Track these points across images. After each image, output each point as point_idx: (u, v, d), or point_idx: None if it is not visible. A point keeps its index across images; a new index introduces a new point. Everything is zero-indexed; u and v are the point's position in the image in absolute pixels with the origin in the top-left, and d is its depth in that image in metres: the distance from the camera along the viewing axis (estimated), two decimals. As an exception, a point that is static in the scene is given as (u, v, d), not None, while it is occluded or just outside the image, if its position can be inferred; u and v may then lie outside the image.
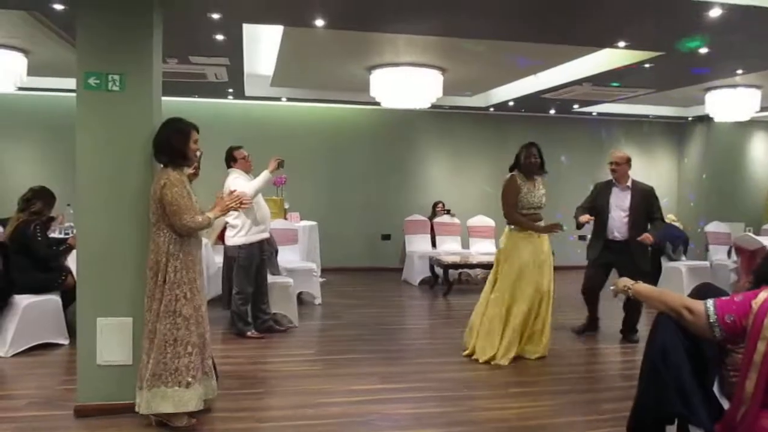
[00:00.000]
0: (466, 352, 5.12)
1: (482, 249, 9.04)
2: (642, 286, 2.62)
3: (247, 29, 5.70)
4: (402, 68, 7.00)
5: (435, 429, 3.68)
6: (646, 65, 6.14)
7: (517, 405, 4.09)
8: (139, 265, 3.60)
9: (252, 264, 5.54)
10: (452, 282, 8.30)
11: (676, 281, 7.48)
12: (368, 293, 8.27)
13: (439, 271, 8.47)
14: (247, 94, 8.72)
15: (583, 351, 5.45)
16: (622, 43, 5.36)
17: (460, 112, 10.18)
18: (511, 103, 9.16)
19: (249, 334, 5.57)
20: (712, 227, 8.68)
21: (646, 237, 5.37)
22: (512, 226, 5.07)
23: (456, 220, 9.53)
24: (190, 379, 3.45)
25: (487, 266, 8.52)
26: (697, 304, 2.35)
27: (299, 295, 6.91)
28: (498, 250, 5.26)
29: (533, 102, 8.91)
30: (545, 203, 5.15)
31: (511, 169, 5.15)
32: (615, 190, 5.65)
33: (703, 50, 5.45)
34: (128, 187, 3.67)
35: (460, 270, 8.70)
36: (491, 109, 9.86)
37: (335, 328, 6.22)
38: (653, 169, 10.79)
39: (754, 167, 10.69)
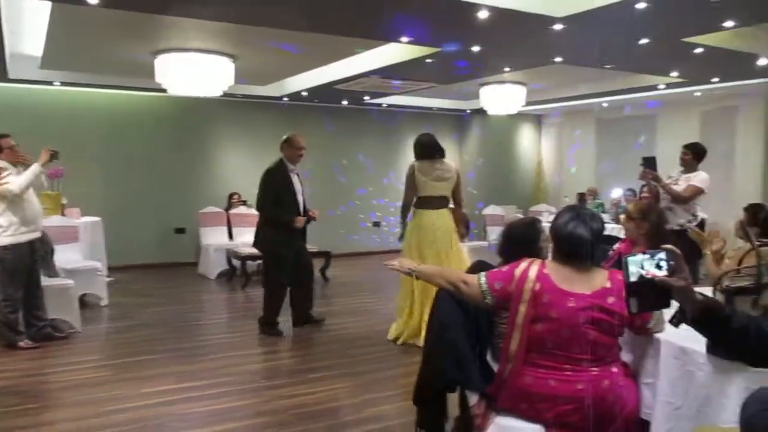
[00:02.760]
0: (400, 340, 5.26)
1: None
2: (425, 267, 2.81)
3: (5, 1, 5.07)
4: (190, 54, 6.71)
5: (235, 423, 3.63)
6: (428, 60, 6.56)
7: (315, 390, 4.17)
8: None
9: (19, 267, 4.96)
10: (251, 274, 8.19)
11: (460, 261, 8.12)
12: (162, 290, 7.85)
13: (236, 263, 8.32)
14: (10, 76, 7.75)
15: (383, 332, 5.69)
16: (405, 38, 5.67)
17: (254, 102, 10.03)
18: (304, 93, 9.24)
19: (21, 344, 5.01)
20: (489, 210, 9.59)
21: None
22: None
23: (253, 211, 9.39)
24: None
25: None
26: (472, 277, 2.59)
27: (82, 297, 6.37)
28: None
29: (326, 93, 9.07)
30: None
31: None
32: None
33: (476, 49, 5.95)
34: None
35: (258, 261, 8.58)
36: (285, 99, 9.86)
37: (125, 330, 5.82)
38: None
39: (523, 155, 11.97)
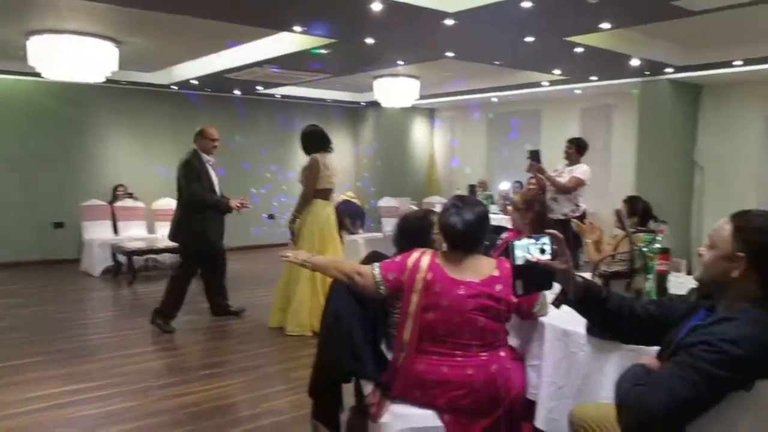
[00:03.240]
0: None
1: (170, 233, 8.64)
2: (318, 258, 2.79)
3: None
4: (67, 36, 6.27)
5: (126, 425, 3.47)
6: (322, 51, 6.51)
7: (208, 387, 4.06)
8: None
9: None
10: (138, 269, 7.83)
11: (356, 252, 8.17)
12: (40, 289, 7.32)
13: (122, 258, 7.91)
14: None
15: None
16: (298, 28, 5.59)
17: (140, 89, 9.55)
18: (194, 82, 8.91)
19: None
20: (384, 202, 9.69)
21: None
22: None
23: (140, 204, 8.99)
24: None
25: (176, 251, 8.25)
26: (366, 268, 2.60)
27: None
28: None
29: (217, 81, 8.79)
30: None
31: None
32: None
33: (370, 41, 5.97)
34: None
35: (146, 256, 8.23)
36: (173, 87, 9.47)
37: (0, 332, 5.39)
38: (335, 149, 11.57)
39: (416, 148, 12.17)
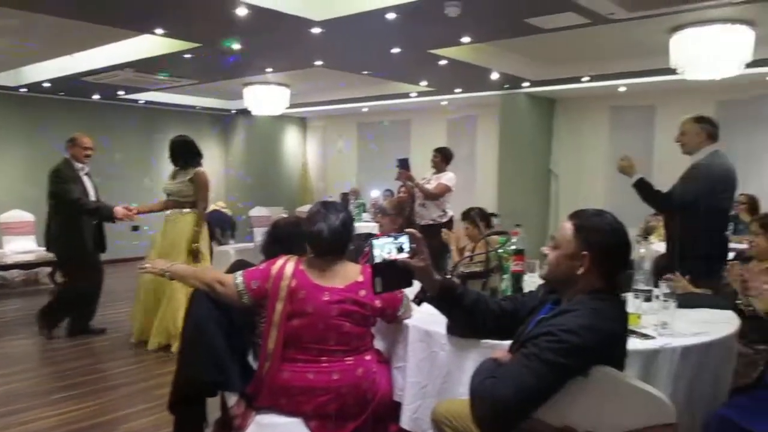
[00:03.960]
0: None
1: (20, 247, 7.94)
2: (179, 267, 2.68)
3: None
4: None
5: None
6: (186, 55, 6.29)
7: (61, 412, 3.76)
8: None
9: None
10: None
11: (226, 262, 7.92)
12: None
13: (-37, 277, 7.18)
14: None
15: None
16: (160, 30, 5.37)
17: (-18, 91, 8.74)
18: (47, 85, 8.29)
19: None
20: (255, 212, 9.50)
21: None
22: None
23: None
24: None
25: (26, 266, 7.61)
26: (228, 277, 2.53)
27: None
28: None
29: (74, 85, 8.24)
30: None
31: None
32: None
33: (237, 46, 5.85)
34: None
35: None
36: (23, 90, 8.75)
37: None
38: (204, 158, 11.22)
39: (289, 156, 12.08)
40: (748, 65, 5.28)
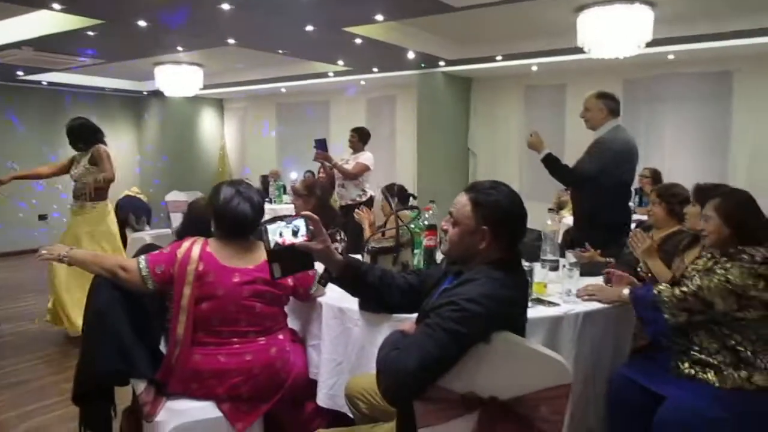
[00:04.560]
0: None
1: None
2: (78, 252, 2.56)
3: None
4: None
5: None
6: (90, 32, 5.97)
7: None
8: None
9: None
10: None
11: (141, 250, 7.68)
12: None
13: None
14: None
15: (47, 336, 5.04)
16: (57, 5, 5.06)
17: None
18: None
19: None
20: (172, 196, 9.21)
21: None
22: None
23: None
24: None
25: None
26: (132, 262, 2.44)
27: None
28: None
29: (-38, 65, 7.68)
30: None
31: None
32: None
33: (143, 23, 5.60)
34: None
35: None
36: None
37: None
38: (116, 142, 10.78)
39: (206, 139, 11.75)
40: (649, 44, 5.50)
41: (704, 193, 2.72)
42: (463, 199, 1.85)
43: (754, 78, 6.88)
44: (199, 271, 2.39)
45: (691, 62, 7.13)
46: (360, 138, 6.24)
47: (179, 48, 7.04)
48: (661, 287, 2.38)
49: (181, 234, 2.76)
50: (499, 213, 1.80)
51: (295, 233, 1.86)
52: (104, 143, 5.05)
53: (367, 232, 3.37)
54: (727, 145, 7.10)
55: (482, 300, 1.65)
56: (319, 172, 8.01)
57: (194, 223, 2.81)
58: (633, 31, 5.25)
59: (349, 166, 6.09)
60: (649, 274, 2.92)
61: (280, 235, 1.85)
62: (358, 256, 2.62)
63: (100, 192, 4.96)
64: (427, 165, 8.38)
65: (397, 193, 4.53)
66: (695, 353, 2.33)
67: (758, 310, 2.21)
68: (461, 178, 8.87)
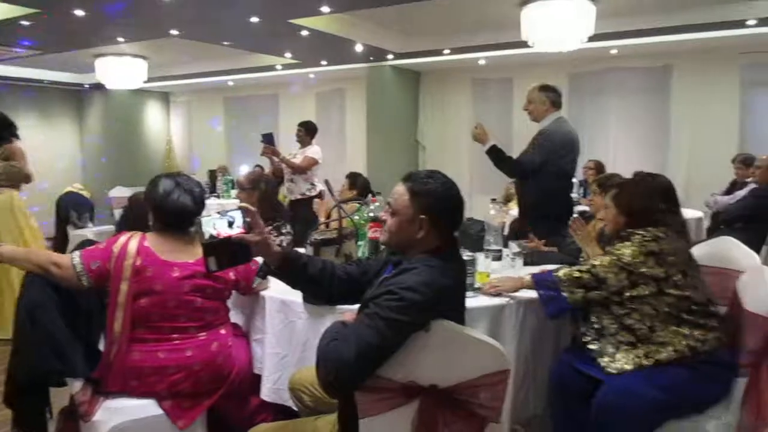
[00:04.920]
0: None
1: None
2: (6, 248, 2.45)
3: None
4: None
5: None
6: (24, 22, 5.75)
7: None
8: None
9: None
10: None
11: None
12: None
13: None
14: None
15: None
16: (-13, -7, 4.87)
17: None
18: None
19: None
20: (116, 192, 8.97)
21: None
22: None
23: None
24: None
25: None
26: (65, 258, 2.36)
27: None
28: None
29: None
30: None
31: None
32: None
33: (80, 13, 5.42)
34: None
35: None
36: None
37: None
38: (55, 136, 10.45)
39: (151, 134, 11.47)
40: (592, 39, 5.62)
41: (606, 183, 2.84)
42: (400, 189, 1.85)
43: (692, 72, 7.13)
44: (136, 266, 2.33)
45: (634, 57, 7.33)
46: (307, 132, 6.19)
47: (120, 39, 6.85)
48: (561, 270, 2.45)
49: (121, 229, 2.68)
50: (436, 202, 1.81)
51: (230, 224, 1.83)
52: (17, 137, 4.84)
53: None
54: (667, 137, 7.33)
55: (420, 288, 1.65)
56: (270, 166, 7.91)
57: (135, 218, 2.74)
58: (576, 25, 5.35)
59: (297, 160, 6.04)
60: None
61: (215, 227, 1.81)
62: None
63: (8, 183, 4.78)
64: (376, 158, 8.39)
65: (360, 186, 4.53)
66: (596, 333, 2.40)
67: (650, 287, 2.30)
68: (410, 170, 8.90)
